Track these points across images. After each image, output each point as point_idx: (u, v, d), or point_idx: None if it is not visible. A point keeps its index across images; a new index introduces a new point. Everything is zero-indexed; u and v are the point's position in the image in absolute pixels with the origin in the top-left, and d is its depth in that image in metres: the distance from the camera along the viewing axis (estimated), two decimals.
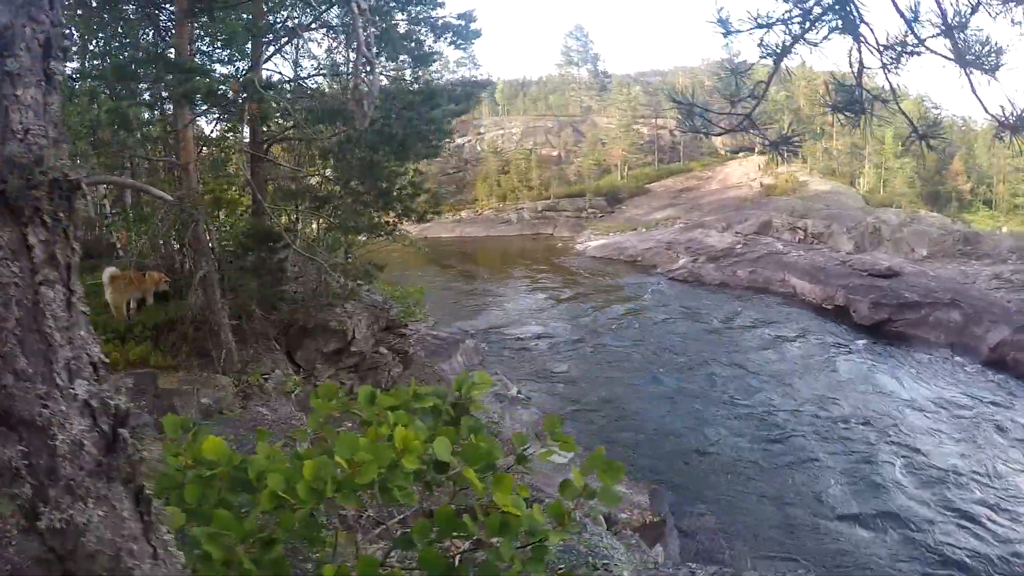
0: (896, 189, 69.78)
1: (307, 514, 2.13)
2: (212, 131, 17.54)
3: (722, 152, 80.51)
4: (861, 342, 32.96)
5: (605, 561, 7.15)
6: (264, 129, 15.82)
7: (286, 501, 2.09)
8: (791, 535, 16.62)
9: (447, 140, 20.85)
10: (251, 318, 14.11)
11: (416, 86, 17.50)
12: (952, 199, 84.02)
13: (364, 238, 18.58)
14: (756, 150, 76.75)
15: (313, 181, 17.78)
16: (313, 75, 18.30)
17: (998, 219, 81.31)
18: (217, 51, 16.94)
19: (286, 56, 18.02)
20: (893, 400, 26.27)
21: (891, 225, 52.75)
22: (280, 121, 16.21)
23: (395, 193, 16.98)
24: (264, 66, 16.29)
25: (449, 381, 16.90)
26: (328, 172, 17.48)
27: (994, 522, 18.04)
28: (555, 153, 73.83)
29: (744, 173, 69.34)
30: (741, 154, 78.14)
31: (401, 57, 17.82)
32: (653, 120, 78.63)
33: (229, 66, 16.85)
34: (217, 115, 15.74)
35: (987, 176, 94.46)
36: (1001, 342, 31.51)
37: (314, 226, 18.81)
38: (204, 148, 15.88)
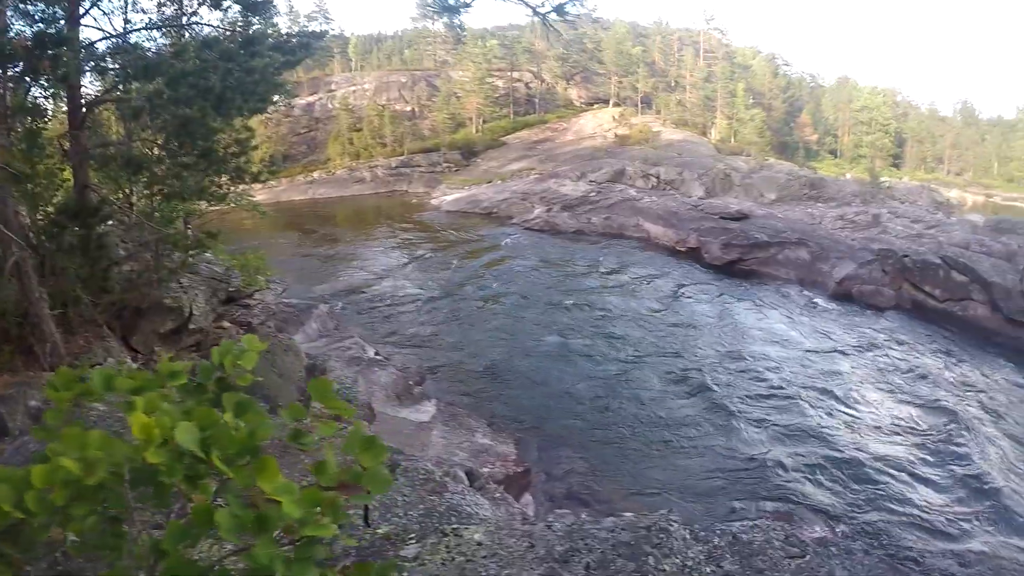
0: (746, 139, 72.36)
1: (42, 525, 1.72)
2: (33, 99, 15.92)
3: (577, 104, 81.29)
4: (714, 280, 34.37)
5: (456, 525, 6.92)
6: (86, 92, 14.53)
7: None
8: (660, 470, 16.92)
9: (282, 95, 19.76)
10: (78, 304, 12.98)
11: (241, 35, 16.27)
12: (800, 148, 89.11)
13: (204, 206, 17.41)
14: (611, 102, 78.03)
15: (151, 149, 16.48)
16: (140, 29, 16.88)
17: (843, 167, 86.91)
18: (35, 7, 15.26)
19: (106, 11, 16.54)
20: (749, 331, 27.66)
21: (741, 172, 54.64)
22: (115, 82, 14.93)
23: (220, 153, 15.87)
24: (89, 23, 14.98)
25: (300, 352, 16.21)
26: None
27: (842, 435, 19.58)
28: (409, 108, 72.15)
29: (598, 124, 70.18)
30: (596, 105, 79.32)
31: (230, 7, 16.51)
32: (509, 73, 78.43)
33: (51, 24, 15.24)
34: (28, 79, 14.36)
35: (833, 128, 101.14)
36: (847, 276, 33.87)
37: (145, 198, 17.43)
38: (19, 118, 14.35)
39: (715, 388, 21.81)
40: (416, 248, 38.93)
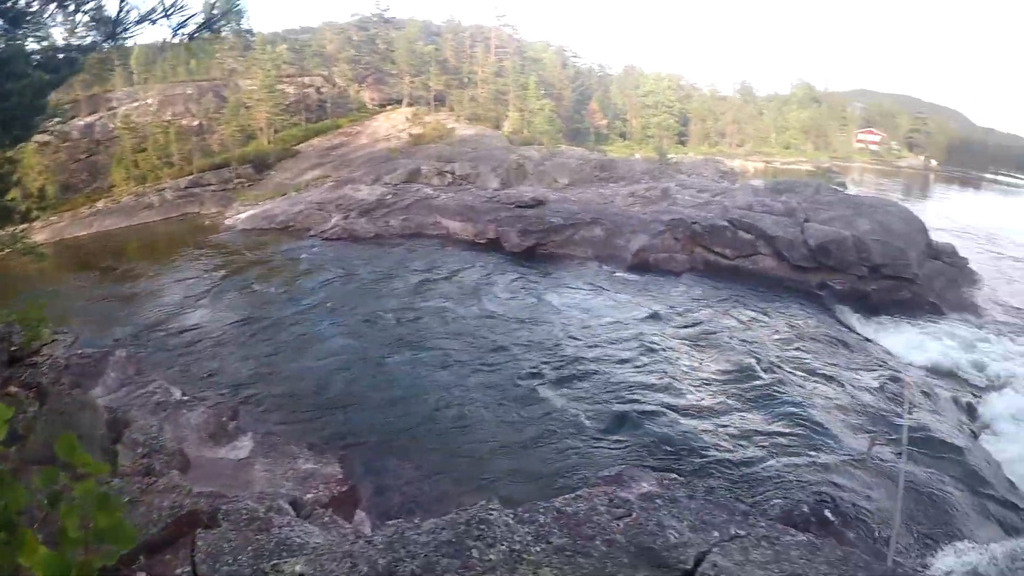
0: (538, 129, 74.11)
1: None
2: None
3: (371, 106, 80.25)
4: (516, 268, 35.24)
5: (276, 561, 6.61)
6: None
7: None
8: (491, 462, 17.20)
9: (51, 119, 18.27)
10: None
11: None
12: (591, 134, 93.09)
13: None
14: (404, 102, 77.81)
15: None
16: None
17: (633, 148, 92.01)
18: None
19: None
20: (557, 312, 28.76)
21: (534, 160, 55.84)
22: None
23: None
24: None
25: (99, 407, 14.91)
26: None
27: (660, 393, 20.90)
28: (196, 123, 67.74)
29: (392, 126, 69.49)
30: (389, 107, 78.72)
31: None
32: (299, 79, 76.54)
33: None
34: None
35: (622, 113, 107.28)
36: (641, 248, 36.11)
37: None
38: None
39: (535, 373, 22.45)
40: (214, 273, 36.66)
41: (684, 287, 32.50)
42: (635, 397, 20.41)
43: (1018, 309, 33.87)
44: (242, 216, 50.94)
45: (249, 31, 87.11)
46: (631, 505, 9.50)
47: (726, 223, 37.01)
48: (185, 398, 19.46)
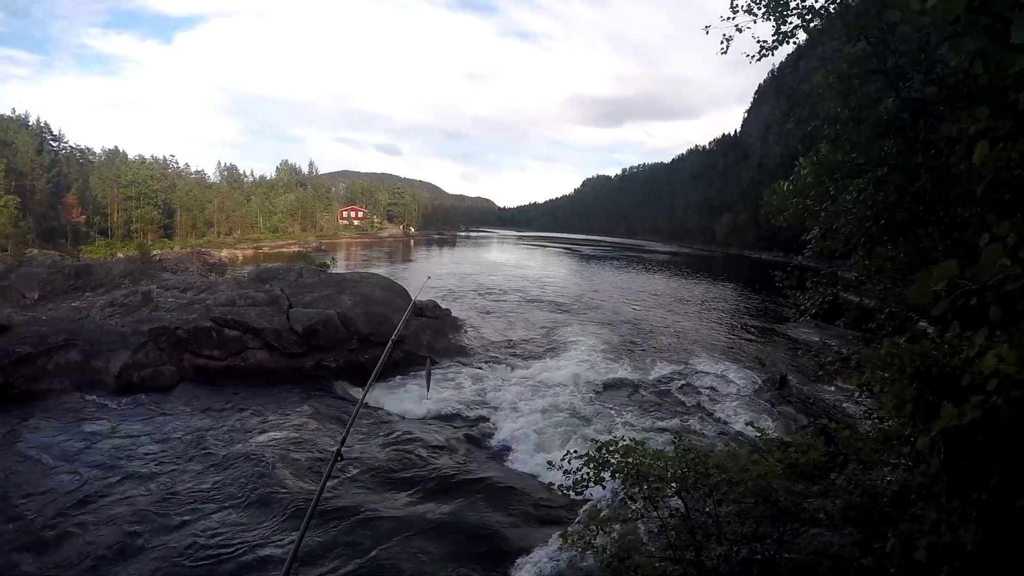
0: (3, 230, 68.10)
1: None
2: None
3: None
4: None
5: None
6: None
7: None
8: None
9: None
10: None
11: None
12: (68, 233, 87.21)
13: None
14: None
15: None
16: None
17: (115, 246, 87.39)
18: None
19: None
20: (17, 478, 24.75)
21: None
22: None
23: None
24: None
25: None
26: None
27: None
28: None
29: None
30: None
31: None
32: None
33: None
34: None
35: (103, 206, 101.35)
36: (124, 367, 32.71)
37: None
38: None
39: None
40: None
41: (176, 402, 29.54)
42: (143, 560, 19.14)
43: (496, 342, 40.65)
44: None
45: None
46: None
47: (210, 323, 35.92)
48: None
